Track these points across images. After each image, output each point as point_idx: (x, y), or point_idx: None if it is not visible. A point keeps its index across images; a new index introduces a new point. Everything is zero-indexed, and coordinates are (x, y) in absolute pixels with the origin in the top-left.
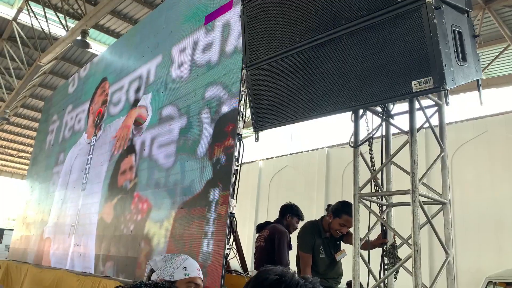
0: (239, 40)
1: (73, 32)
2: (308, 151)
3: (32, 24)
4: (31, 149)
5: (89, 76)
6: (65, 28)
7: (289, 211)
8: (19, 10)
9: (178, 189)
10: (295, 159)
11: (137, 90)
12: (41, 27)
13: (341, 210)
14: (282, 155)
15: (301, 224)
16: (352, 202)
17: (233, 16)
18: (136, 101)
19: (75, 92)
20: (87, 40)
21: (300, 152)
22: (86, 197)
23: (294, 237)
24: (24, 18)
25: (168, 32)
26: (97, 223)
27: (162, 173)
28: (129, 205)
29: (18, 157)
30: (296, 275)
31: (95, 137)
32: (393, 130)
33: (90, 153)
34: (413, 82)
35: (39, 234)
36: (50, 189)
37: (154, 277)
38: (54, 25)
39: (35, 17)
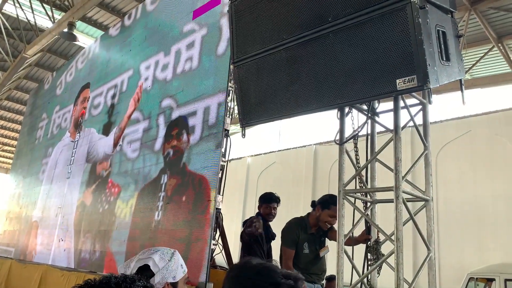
0: (187, 63)
1: (60, 24)
2: (296, 148)
3: (17, 15)
4: (15, 143)
5: (75, 81)
6: (52, 19)
7: (260, 202)
8: (5, 0)
9: (140, 175)
10: (283, 156)
11: (113, 96)
12: (27, 18)
13: (330, 202)
14: (270, 152)
15: (280, 209)
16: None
17: (182, 45)
18: (112, 105)
19: (62, 94)
20: (74, 33)
21: (288, 149)
22: (70, 185)
23: (275, 225)
24: (9, 8)
25: (137, 49)
26: (79, 205)
27: (129, 163)
28: (104, 189)
29: (3, 150)
30: (258, 262)
31: (78, 134)
32: (378, 128)
33: (75, 147)
34: (397, 81)
35: (23, 229)
36: (36, 182)
37: (156, 280)
38: (40, 16)
39: (21, 7)
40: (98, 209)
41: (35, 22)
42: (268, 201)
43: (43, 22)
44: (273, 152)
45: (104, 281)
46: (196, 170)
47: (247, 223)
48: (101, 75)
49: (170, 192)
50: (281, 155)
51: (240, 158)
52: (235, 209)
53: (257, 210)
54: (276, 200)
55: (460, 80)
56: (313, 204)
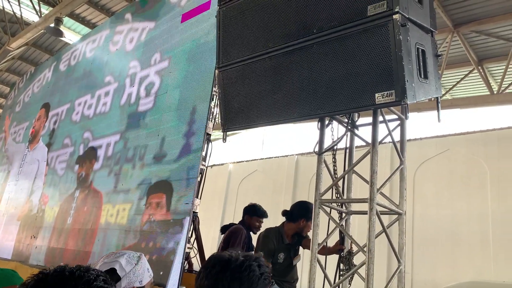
0: (102, 107)
1: (47, 18)
2: (278, 157)
3: (3, 6)
4: None
5: (31, 102)
6: (38, 13)
7: (248, 212)
8: None
9: (62, 187)
10: (265, 164)
11: (55, 122)
12: (13, 11)
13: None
14: (253, 160)
15: (265, 223)
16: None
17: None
18: (53, 130)
19: (19, 112)
20: (60, 28)
21: (270, 157)
22: (18, 190)
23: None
24: None
25: (75, 87)
26: (22, 207)
27: (57, 177)
28: (40, 198)
29: None
30: (240, 256)
31: (37, 144)
32: (357, 142)
33: (23, 159)
34: (376, 94)
35: None
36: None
37: (123, 284)
38: (27, 9)
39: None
40: (34, 211)
41: (21, 15)
42: (260, 216)
43: (30, 15)
44: (255, 160)
45: (58, 269)
46: (96, 186)
47: (232, 233)
48: (50, 102)
49: (79, 203)
50: (263, 164)
51: (222, 164)
52: (214, 215)
53: (236, 217)
54: (263, 215)
55: (437, 98)
56: (284, 213)
